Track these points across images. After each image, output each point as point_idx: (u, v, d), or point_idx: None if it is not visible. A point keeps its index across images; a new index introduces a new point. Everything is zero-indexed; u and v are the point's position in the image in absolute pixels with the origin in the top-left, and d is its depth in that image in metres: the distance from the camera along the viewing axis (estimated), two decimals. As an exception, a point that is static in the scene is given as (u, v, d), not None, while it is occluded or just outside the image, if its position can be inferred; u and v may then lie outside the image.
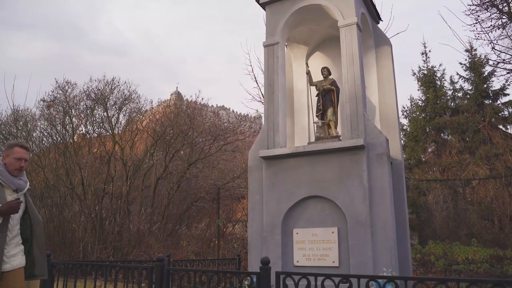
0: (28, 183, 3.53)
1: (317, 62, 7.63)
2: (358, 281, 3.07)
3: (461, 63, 19.72)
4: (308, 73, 7.21)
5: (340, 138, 6.46)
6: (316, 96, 7.04)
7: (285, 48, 8.51)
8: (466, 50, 18.43)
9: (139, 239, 10.66)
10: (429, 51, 21.32)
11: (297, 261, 5.92)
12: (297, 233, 6.02)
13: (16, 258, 3.31)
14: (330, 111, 6.77)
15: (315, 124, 6.90)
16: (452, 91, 20.34)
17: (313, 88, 7.22)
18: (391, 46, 7.32)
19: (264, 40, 7.11)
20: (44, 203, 11.88)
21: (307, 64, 7.49)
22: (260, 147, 6.59)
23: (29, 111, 13.87)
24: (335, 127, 6.71)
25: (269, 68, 6.93)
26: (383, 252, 5.39)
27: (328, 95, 6.86)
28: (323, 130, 6.72)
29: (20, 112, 13.53)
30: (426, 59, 21.01)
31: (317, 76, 7.13)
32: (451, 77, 20.57)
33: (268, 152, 6.42)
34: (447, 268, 9.88)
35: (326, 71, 7.02)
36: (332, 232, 5.81)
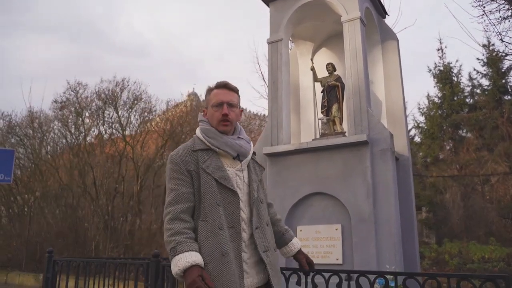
0: (252, 145, 2.25)
1: (323, 58, 7.54)
2: (348, 276, 3.01)
3: (478, 59, 19.29)
4: (312, 69, 7.15)
5: (346, 134, 6.37)
6: (321, 92, 6.97)
7: (292, 45, 8.47)
8: (484, 45, 18.02)
9: (150, 238, 10.75)
10: (445, 47, 20.83)
11: (301, 259, 5.86)
12: (300, 231, 5.96)
13: (259, 270, 2.05)
14: (335, 107, 6.68)
15: (320, 120, 6.84)
16: (471, 87, 19.89)
17: (318, 85, 7.16)
18: (398, 40, 7.19)
19: (268, 37, 7.08)
20: (58, 203, 12.11)
21: (311, 60, 7.42)
22: (264, 144, 6.56)
23: (44, 113, 14.16)
24: (340, 124, 6.63)
25: (273, 65, 6.89)
26: (387, 249, 5.30)
27: (333, 91, 6.78)
28: (328, 126, 6.65)
29: (34, 114, 13.81)
30: (442, 55, 20.61)
31: (323, 73, 7.06)
32: (469, 73, 20.12)
33: (272, 149, 6.38)
34: (462, 267, 9.68)
35: (331, 67, 6.93)
36: (336, 229, 5.74)
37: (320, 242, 5.77)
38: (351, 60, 6.21)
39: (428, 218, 17.39)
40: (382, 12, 7.47)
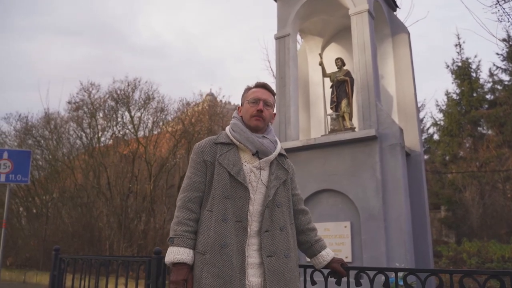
0: (279, 146, 2.19)
1: (333, 53, 7.43)
2: (348, 273, 2.91)
3: (497, 53, 18.79)
4: (321, 64, 7.03)
5: (355, 129, 6.24)
6: (330, 87, 6.86)
7: (301, 40, 8.37)
8: (503, 40, 17.55)
9: (163, 237, 10.77)
10: (463, 42, 20.38)
11: (310, 257, 5.77)
12: (309, 228, 5.86)
13: (256, 272, 1.97)
14: (344, 103, 6.56)
15: (329, 116, 6.72)
16: (491, 83, 19.38)
17: (328, 80, 7.04)
18: (409, 34, 7.02)
19: (276, 32, 7.01)
20: (74, 203, 12.25)
21: (320, 55, 7.31)
22: (272, 141, 6.47)
23: (60, 114, 14.35)
24: (350, 119, 6.50)
25: (281, 60, 6.81)
26: (397, 247, 5.16)
27: (342, 86, 6.66)
28: (337, 122, 6.52)
29: (50, 115, 14.00)
30: (460, 50, 20.12)
31: (333, 68, 6.94)
32: (489, 69, 19.61)
33: (280, 145, 6.28)
34: (480, 266, 9.42)
35: (340, 62, 6.81)
36: (345, 227, 5.62)
37: (329, 240, 5.65)
38: (359, 53, 6.08)
39: (447, 217, 17.00)
40: (392, 5, 7.30)
